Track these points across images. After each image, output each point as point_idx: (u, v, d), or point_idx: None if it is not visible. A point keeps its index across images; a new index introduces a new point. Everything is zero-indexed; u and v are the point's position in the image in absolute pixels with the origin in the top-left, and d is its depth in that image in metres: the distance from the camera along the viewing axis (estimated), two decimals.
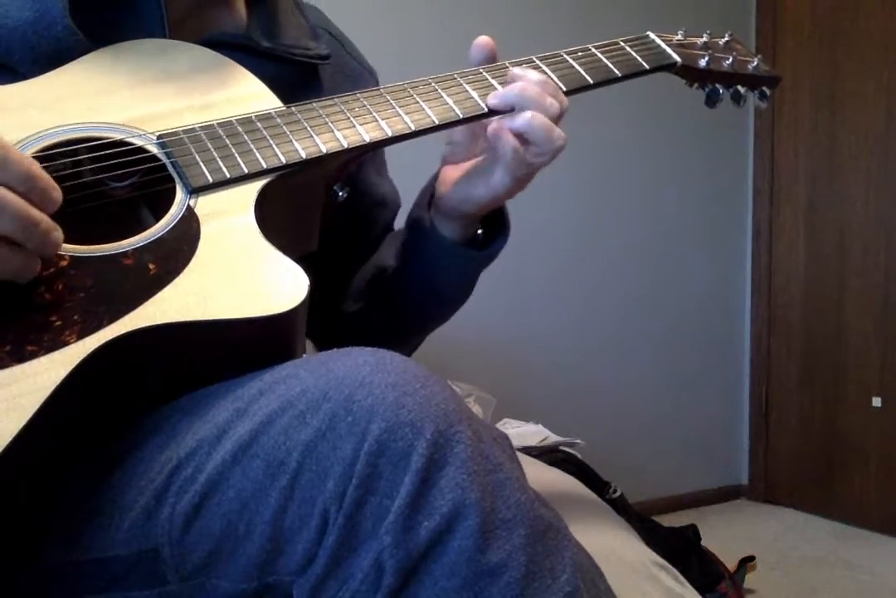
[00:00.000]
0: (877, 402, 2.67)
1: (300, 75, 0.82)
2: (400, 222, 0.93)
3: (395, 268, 0.87)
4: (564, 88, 0.80)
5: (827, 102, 2.80)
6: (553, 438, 2.08)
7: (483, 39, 0.80)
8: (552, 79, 0.79)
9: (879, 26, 2.65)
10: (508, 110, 0.75)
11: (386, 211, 0.95)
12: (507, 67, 0.80)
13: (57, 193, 0.57)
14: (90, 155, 0.66)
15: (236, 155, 0.68)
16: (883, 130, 2.66)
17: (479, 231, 0.84)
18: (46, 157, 0.65)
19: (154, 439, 0.58)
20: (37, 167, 0.57)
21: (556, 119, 0.74)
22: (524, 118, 0.73)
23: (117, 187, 0.68)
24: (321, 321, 0.84)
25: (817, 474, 2.87)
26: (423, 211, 0.82)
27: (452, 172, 0.80)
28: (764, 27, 2.95)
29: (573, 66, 0.81)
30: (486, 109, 0.76)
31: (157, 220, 0.64)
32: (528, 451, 1.79)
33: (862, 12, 2.69)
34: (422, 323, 0.91)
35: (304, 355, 0.64)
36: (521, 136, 0.73)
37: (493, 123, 0.75)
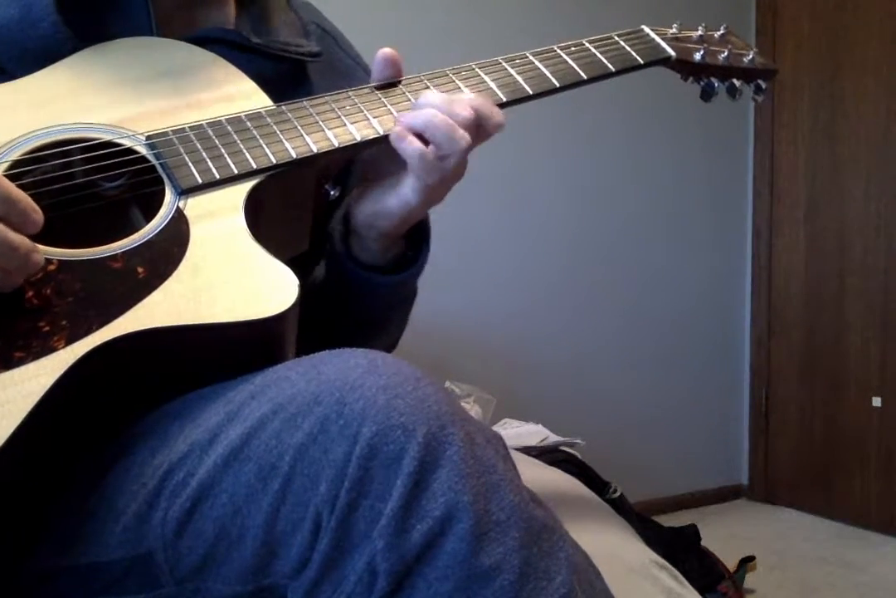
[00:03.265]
0: (877, 402, 2.67)
1: (290, 72, 0.82)
2: None
3: (319, 281, 0.84)
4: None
5: (827, 101, 2.79)
6: (553, 438, 2.08)
7: (387, 52, 0.76)
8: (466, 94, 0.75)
9: (879, 26, 2.64)
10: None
11: None
12: (500, 63, 0.79)
13: (38, 215, 0.57)
14: (80, 156, 0.66)
15: (226, 155, 0.67)
16: (883, 129, 2.65)
17: (400, 252, 0.79)
18: (35, 158, 0.64)
19: (146, 443, 0.57)
20: (16, 189, 0.56)
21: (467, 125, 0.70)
22: (425, 115, 0.69)
23: (108, 189, 0.67)
24: None
25: (817, 474, 2.86)
26: (336, 224, 0.79)
27: (366, 188, 0.76)
28: (764, 26, 2.95)
29: (567, 62, 0.81)
30: None
31: (148, 221, 0.63)
32: (528, 451, 1.78)
33: (861, 11, 2.68)
34: (349, 337, 0.85)
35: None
36: (423, 138, 0.70)
37: (396, 128, 0.71)
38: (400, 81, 0.76)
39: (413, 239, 0.80)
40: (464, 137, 0.69)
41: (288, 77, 0.81)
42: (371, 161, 0.77)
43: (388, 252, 0.78)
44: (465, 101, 0.72)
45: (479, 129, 0.72)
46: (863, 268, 2.71)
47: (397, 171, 0.73)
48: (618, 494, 1.96)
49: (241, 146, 0.68)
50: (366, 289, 0.79)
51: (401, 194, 0.72)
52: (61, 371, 0.53)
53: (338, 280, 0.80)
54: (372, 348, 0.87)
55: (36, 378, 0.53)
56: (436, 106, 0.70)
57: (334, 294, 0.82)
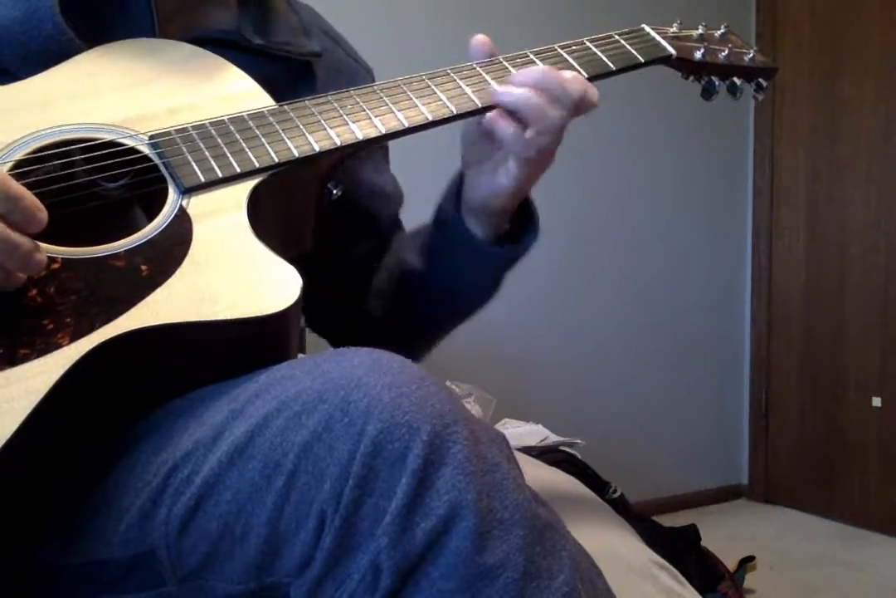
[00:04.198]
0: (877, 402, 2.67)
1: (293, 72, 0.82)
2: (408, 220, 0.93)
3: (420, 267, 0.86)
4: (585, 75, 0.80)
5: (826, 102, 2.80)
6: (553, 438, 2.08)
7: (480, 38, 0.80)
8: (574, 66, 0.80)
9: (878, 27, 2.65)
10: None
11: (389, 203, 0.94)
12: (500, 62, 0.79)
13: (42, 213, 0.57)
14: (82, 156, 0.66)
15: (228, 154, 0.67)
16: (882, 130, 2.66)
17: (508, 227, 0.83)
18: (39, 158, 0.64)
19: (149, 441, 0.57)
20: (20, 187, 0.56)
21: (561, 102, 0.74)
22: (513, 94, 0.73)
23: (110, 188, 0.67)
24: (341, 322, 0.84)
25: (817, 474, 2.86)
26: (449, 209, 0.81)
27: (476, 172, 0.79)
28: (764, 28, 2.95)
29: (567, 61, 0.81)
30: (479, 105, 0.75)
31: (151, 220, 0.64)
32: (528, 451, 1.78)
33: (861, 13, 2.68)
34: (447, 323, 0.91)
35: (300, 356, 0.64)
36: (516, 117, 0.73)
37: (491, 114, 0.74)
38: (403, 81, 0.76)
39: (518, 226, 0.83)
40: (555, 114, 0.73)
41: (292, 77, 0.82)
42: (471, 145, 0.79)
43: (500, 226, 0.81)
44: (574, 79, 0.75)
45: (577, 106, 0.75)
46: (863, 268, 2.72)
47: (496, 150, 0.76)
48: (618, 494, 1.96)
49: (244, 145, 0.68)
50: (480, 262, 0.82)
51: (509, 173, 0.75)
52: (65, 368, 0.54)
53: (442, 261, 0.84)
54: (440, 338, 0.92)
55: (40, 375, 0.53)
56: (538, 82, 0.73)
57: (429, 277, 0.85)
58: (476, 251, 0.81)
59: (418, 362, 0.85)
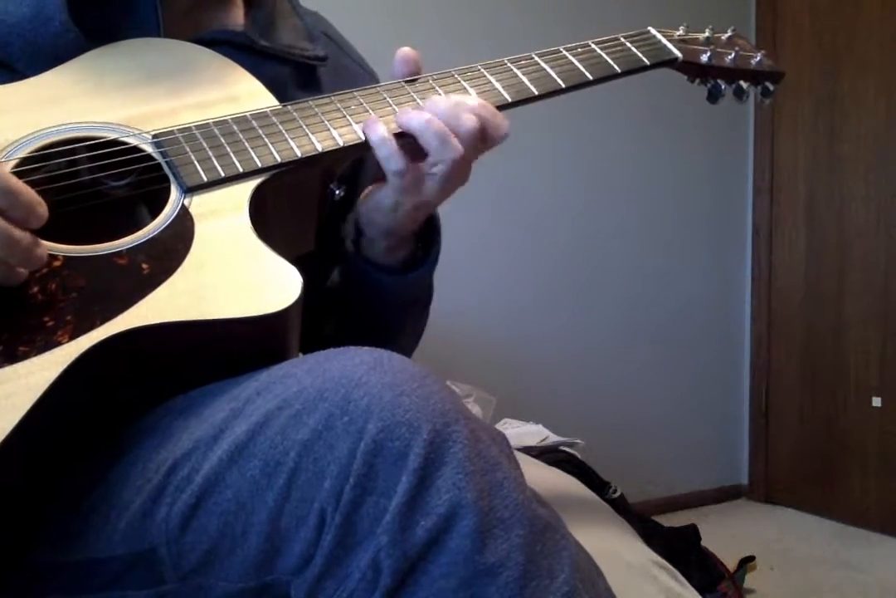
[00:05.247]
0: (877, 401, 2.67)
1: (298, 75, 0.82)
2: None
3: (336, 282, 0.85)
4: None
5: (827, 100, 2.80)
6: (553, 438, 2.08)
7: (405, 51, 0.77)
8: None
9: (879, 25, 2.64)
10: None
11: None
12: (506, 64, 0.79)
13: (42, 208, 0.57)
14: (86, 154, 0.66)
15: (231, 154, 0.67)
16: (883, 129, 2.65)
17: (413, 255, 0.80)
18: (42, 156, 0.65)
19: (150, 439, 0.58)
20: (18, 182, 0.56)
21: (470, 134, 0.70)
22: (422, 119, 0.70)
23: (114, 187, 0.67)
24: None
25: (817, 474, 2.86)
26: (349, 225, 0.80)
27: (371, 187, 0.76)
28: (764, 25, 2.95)
29: (572, 63, 0.81)
30: None
31: (154, 219, 0.64)
32: (528, 451, 1.78)
33: (861, 11, 2.68)
34: (369, 337, 0.87)
35: (300, 355, 0.64)
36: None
37: (384, 127, 0.71)
38: (406, 82, 0.76)
39: (426, 242, 0.80)
40: (456, 147, 0.69)
41: (297, 80, 0.82)
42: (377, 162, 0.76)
43: (395, 252, 0.78)
44: (471, 108, 0.71)
45: (484, 138, 0.72)
46: (863, 267, 2.71)
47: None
48: (618, 494, 1.96)
49: (247, 145, 0.68)
50: (375, 289, 0.79)
51: (387, 190, 0.72)
52: (65, 365, 0.54)
53: (350, 283, 0.81)
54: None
55: (40, 372, 0.53)
56: (440, 112, 0.70)
57: (348, 298, 0.82)
58: (360, 272, 0.78)
59: None
